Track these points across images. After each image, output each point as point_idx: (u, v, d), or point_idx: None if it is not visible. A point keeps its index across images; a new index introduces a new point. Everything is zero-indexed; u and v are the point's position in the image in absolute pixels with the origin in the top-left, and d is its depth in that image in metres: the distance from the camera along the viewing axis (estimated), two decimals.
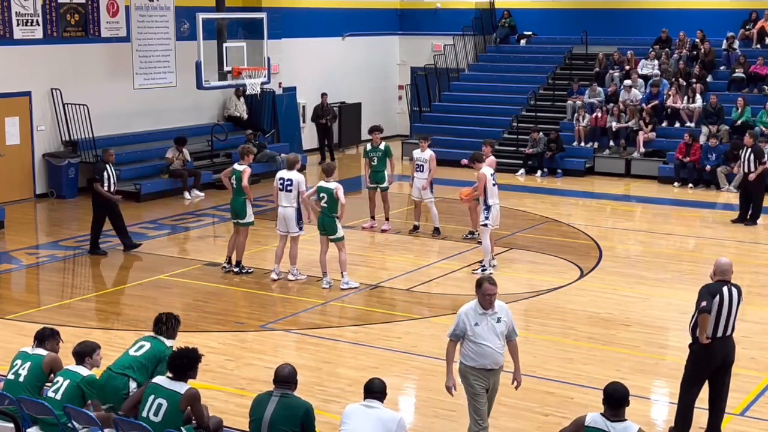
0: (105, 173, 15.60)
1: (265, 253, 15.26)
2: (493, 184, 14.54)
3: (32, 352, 8.34)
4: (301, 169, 23.70)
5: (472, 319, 8.22)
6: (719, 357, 8.81)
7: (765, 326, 12.38)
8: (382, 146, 17.44)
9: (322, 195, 13.60)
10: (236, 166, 14.62)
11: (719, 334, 8.72)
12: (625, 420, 6.70)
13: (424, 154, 17.02)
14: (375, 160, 17.47)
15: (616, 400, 6.74)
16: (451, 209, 18.39)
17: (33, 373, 8.17)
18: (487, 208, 14.41)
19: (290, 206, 14.03)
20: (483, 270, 14.62)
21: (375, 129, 17.77)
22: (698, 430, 9.11)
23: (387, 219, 17.59)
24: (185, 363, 7.61)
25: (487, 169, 14.47)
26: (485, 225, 14.49)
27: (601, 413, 6.76)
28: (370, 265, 15.34)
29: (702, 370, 8.92)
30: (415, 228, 17.28)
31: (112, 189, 15.74)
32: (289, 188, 14.00)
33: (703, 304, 8.69)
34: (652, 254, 16.28)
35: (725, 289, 8.75)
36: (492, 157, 15.98)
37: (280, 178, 14.10)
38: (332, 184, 13.58)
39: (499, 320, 8.24)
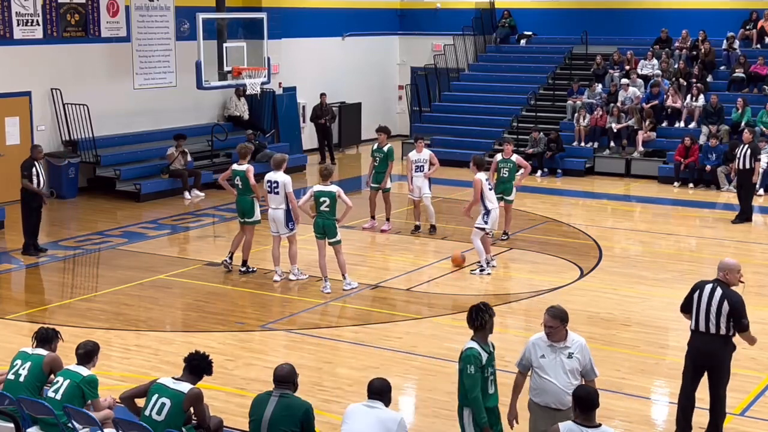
0: (33, 170, 15.55)
1: (264, 254, 15.26)
2: (489, 189, 14.55)
3: (32, 352, 8.33)
4: (301, 169, 24.03)
5: (539, 350, 7.51)
6: (699, 352, 8.77)
7: (765, 326, 12.36)
8: (386, 148, 17.47)
9: (323, 199, 13.49)
10: (236, 166, 14.61)
11: (701, 329, 8.72)
12: (600, 425, 6.46)
13: (422, 155, 17.09)
14: (377, 161, 17.51)
15: (587, 403, 6.47)
16: (450, 209, 18.39)
17: (33, 373, 8.17)
18: (487, 212, 14.40)
19: (279, 208, 14.00)
20: (481, 270, 14.62)
21: (381, 130, 17.81)
22: (699, 431, 9.11)
23: (387, 219, 17.61)
24: (202, 365, 7.65)
25: (481, 175, 14.44)
26: (482, 228, 14.47)
27: (573, 420, 6.50)
28: (370, 265, 15.34)
29: (688, 364, 8.95)
30: (417, 228, 17.29)
31: (41, 186, 15.67)
32: (276, 190, 13.96)
33: (683, 301, 8.97)
34: (652, 254, 16.27)
35: (708, 286, 8.76)
36: (516, 155, 16.74)
37: (267, 180, 14.06)
38: (333, 188, 13.48)
39: (570, 356, 7.45)
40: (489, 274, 14.60)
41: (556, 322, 7.46)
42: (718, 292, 8.70)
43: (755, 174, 18.36)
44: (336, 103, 27.35)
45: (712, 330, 8.67)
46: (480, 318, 7.44)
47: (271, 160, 14.50)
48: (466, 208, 14.92)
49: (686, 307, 8.90)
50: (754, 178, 18.36)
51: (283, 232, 14.13)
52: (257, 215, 14.61)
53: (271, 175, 14.04)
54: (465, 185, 15.53)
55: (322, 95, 26.04)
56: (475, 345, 7.43)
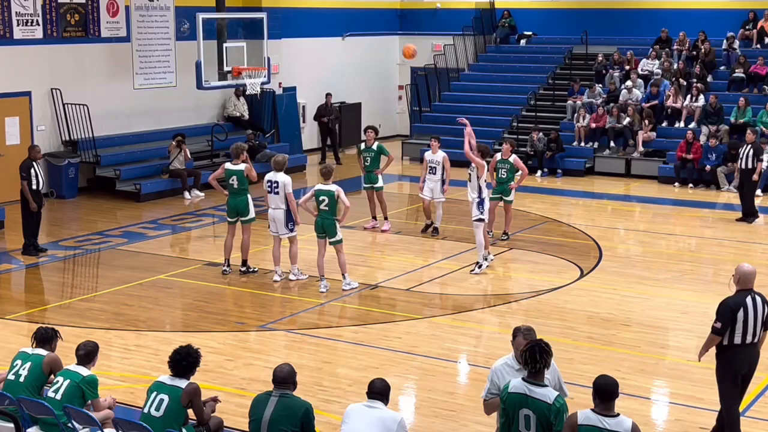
0: (31, 170, 15.54)
1: (264, 254, 15.26)
2: (486, 182, 14.54)
3: (32, 353, 8.33)
4: (301, 169, 24.03)
5: (507, 375, 7.00)
6: (744, 363, 8.52)
7: None
8: (374, 146, 17.45)
9: (322, 198, 13.50)
10: (230, 166, 14.55)
11: (747, 341, 8.41)
12: (618, 415, 6.51)
13: (437, 156, 16.98)
14: (368, 160, 17.50)
15: (607, 393, 6.50)
16: (451, 209, 18.39)
17: (33, 374, 8.17)
18: (481, 201, 14.37)
19: (279, 208, 14.00)
20: (479, 267, 14.62)
21: (368, 128, 17.86)
22: (699, 430, 9.11)
23: (386, 218, 17.58)
24: (191, 363, 7.66)
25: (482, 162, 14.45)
26: (480, 220, 14.44)
27: (592, 409, 6.53)
28: (370, 265, 15.34)
29: (730, 378, 8.56)
30: (428, 227, 17.21)
31: (40, 186, 15.64)
32: (276, 190, 13.96)
33: (718, 325, 8.38)
34: (652, 254, 16.28)
35: (749, 299, 8.39)
36: (515, 156, 16.71)
37: (268, 181, 14.06)
38: (332, 187, 13.48)
39: None
40: (486, 266, 14.59)
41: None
42: (759, 301, 8.42)
43: (756, 173, 18.33)
44: (336, 103, 27.34)
45: (755, 339, 8.45)
46: (544, 360, 6.67)
47: (272, 160, 14.49)
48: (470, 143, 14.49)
49: (724, 329, 8.39)
50: (754, 177, 18.33)
51: (282, 233, 14.13)
52: (252, 213, 14.62)
53: (271, 176, 14.04)
54: (466, 185, 15.52)
55: (328, 95, 26.10)
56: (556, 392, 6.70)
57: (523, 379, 6.69)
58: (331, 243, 13.68)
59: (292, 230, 14.12)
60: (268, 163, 22.95)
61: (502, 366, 7.17)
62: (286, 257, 14.29)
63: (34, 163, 15.62)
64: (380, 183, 17.51)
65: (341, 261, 13.75)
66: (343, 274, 13.79)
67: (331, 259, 13.87)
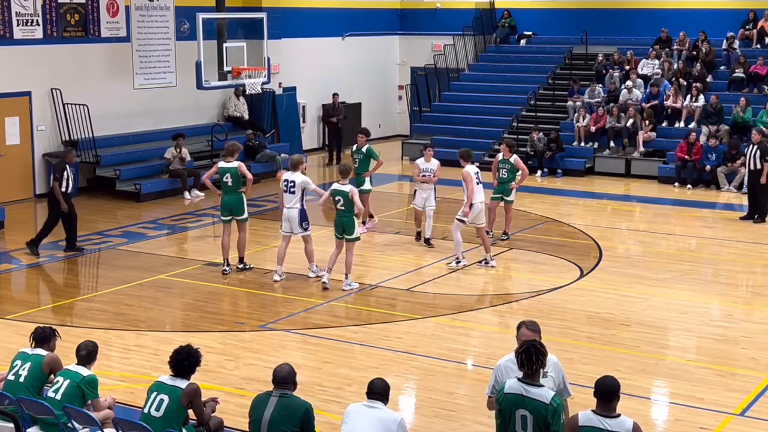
0: (65, 173, 15.58)
1: (264, 253, 15.27)
2: (477, 183, 14.59)
3: (32, 353, 8.33)
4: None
5: (511, 372, 6.86)
6: None
7: (765, 326, 12.38)
8: (364, 149, 17.40)
9: (337, 198, 13.60)
10: (224, 164, 14.57)
11: None
12: (619, 415, 6.47)
13: (431, 165, 16.65)
14: (357, 162, 17.45)
15: (607, 394, 6.44)
16: (449, 209, 18.37)
17: (33, 374, 8.17)
18: (470, 206, 14.47)
19: (294, 207, 14.05)
20: (457, 262, 14.81)
21: (359, 131, 17.88)
22: (699, 430, 9.12)
23: (363, 223, 17.35)
24: (192, 362, 7.66)
25: (470, 168, 14.55)
26: (462, 221, 14.57)
27: (592, 410, 6.48)
28: (370, 265, 15.34)
29: None
30: (419, 235, 17.05)
31: (69, 190, 15.70)
32: (292, 190, 14.03)
33: None
34: (652, 254, 16.27)
35: None
36: (515, 156, 16.69)
37: (285, 180, 14.17)
38: (347, 187, 13.55)
39: (545, 375, 6.80)
40: (465, 266, 14.71)
41: (537, 336, 7.04)
42: None
43: (764, 175, 18.23)
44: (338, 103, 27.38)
45: None
46: (540, 360, 6.56)
47: (289, 160, 14.59)
48: (466, 212, 14.72)
49: None
50: (762, 179, 18.25)
51: (297, 232, 14.15)
52: (246, 213, 14.67)
53: (288, 175, 14.16)
54: (457, 185, 15.47)
55: (335, 95, 26.13)
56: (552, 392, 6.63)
57: (519, 379, 6.63)
58: (347, 240, 13.72)
59: (306, 229, 14.17)
60: (268, 163, 23.09)
61: (506, 363, 7.08)
62: (290, 257, 14.30)
63: (67, 167, 15.65)
64: (366, 186, 17.28)
65: (348, 260, 13.78)
66: (346, 274, 13.81)
67: (337, 258, 13.90)
